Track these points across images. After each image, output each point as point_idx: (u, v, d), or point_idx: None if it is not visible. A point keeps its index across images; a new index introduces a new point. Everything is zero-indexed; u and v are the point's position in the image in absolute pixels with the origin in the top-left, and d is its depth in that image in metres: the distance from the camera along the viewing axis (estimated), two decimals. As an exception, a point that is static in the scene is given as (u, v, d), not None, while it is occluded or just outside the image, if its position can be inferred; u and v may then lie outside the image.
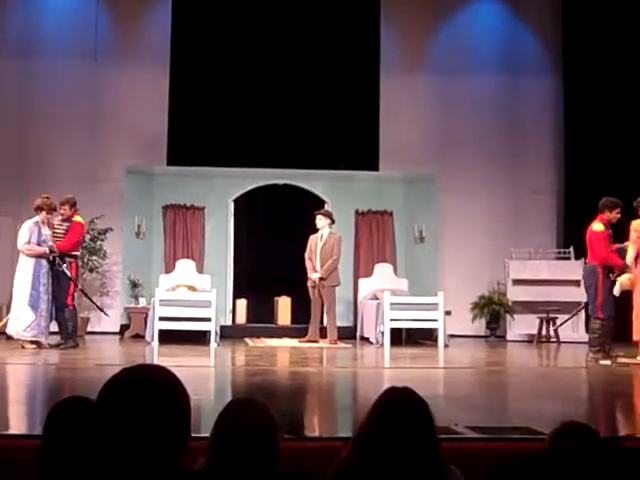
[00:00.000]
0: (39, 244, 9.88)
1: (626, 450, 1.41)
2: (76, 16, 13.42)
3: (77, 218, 10.26)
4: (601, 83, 12.96)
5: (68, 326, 9.96)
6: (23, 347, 9.71)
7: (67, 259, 10.02)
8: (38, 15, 13.40)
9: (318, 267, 11.48)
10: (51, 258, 9.90)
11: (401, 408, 2.41)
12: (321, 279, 11.45)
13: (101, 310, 11.75)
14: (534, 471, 1.30)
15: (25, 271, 9.85)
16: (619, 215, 9.10)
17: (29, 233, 9.88)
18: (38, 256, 9.83)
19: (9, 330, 9.93)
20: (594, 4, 13.09)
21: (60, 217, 10.15)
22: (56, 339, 10.03)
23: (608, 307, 8.99)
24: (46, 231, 10.00)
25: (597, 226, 9.11)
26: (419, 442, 2.31)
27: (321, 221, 11.63)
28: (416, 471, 2.26)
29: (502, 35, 13.96)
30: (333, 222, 11.73)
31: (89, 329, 12.32)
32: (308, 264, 11.58)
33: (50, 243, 9.90)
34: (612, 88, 12.88)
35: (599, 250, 9.04)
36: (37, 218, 9.97)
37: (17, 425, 4.96)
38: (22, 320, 9.78)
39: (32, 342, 9.79)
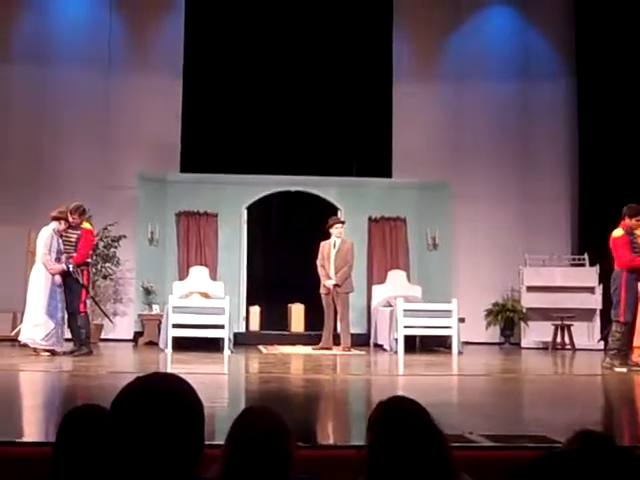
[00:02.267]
0: (58, 253, 9.92)
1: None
2: (90, 25, 13.49)
3: (86, 225, 10.28)
4: (615, 87, 12.90)
5: (81, 333, 9.98)
6: (37, 354, 9.73)
7: (80, 267, 10.04)
8: (52, 24, 13.48)
9: (332, 274, 11.47)
10: (70, 268, 9.92)
11: (396, 422, 2.30)
12: (335, 285, 11.43)
13: (108, 318, 11.79)
14: (552, 470, 1.28)
15: (41, 279, 9.87)
16: None
17: (49, 243, 9.90)
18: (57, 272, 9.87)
19: (24, 338, 9.93)
20: (606, 7, 13.05)
21: (66, 225, 10.12)
22: (69, 346, 10.05)
23: (630, 312, 8.96)
24: (60, 240, 10.04)
25: (616, 232, 9.14)
26: (423, 451, 2.24)
27: (338, 229, 11.65)
28: (423, 477, 2.21)
29: (514, 40, 13.93)
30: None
31: (103, 336, 12.34)
32: (321, 271, 11.57)
33: (69, 262, 9.91)
34: (626, 92, 12.82)
35: (622, 255, 9.03)
36: (53, 226, 9.98)
37: (30, 432, 4.96)
38: (41, 329, 9.77)
39: (47, 350, 9.81)
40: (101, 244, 12.21)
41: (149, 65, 13.40)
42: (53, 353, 9.77)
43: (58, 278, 9.89)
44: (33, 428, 5.11)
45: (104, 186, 12.96)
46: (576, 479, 1.25)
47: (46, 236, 9.94)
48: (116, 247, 12.57)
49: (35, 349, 9.84)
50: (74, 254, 10.01)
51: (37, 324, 9.80)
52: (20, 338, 10.04)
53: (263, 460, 2.36)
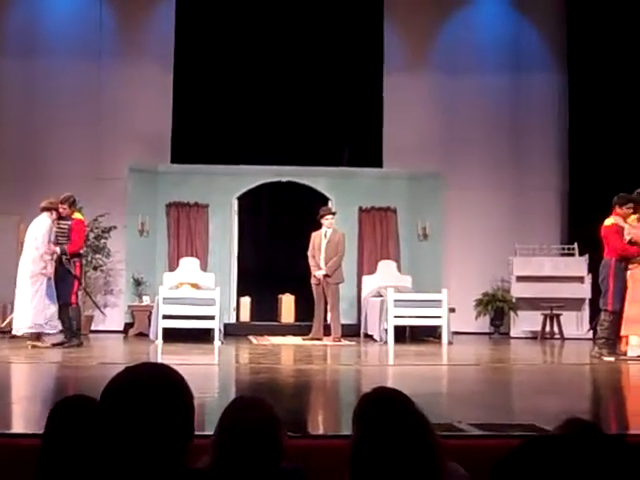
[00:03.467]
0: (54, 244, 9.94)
1: (629, 446, 1.41)
2: (80, 16, 13.43)
3: (77, 215, 10.26)
4: (606, 80, 12.93)
5: (72, 324, 9.98)
6: (39, 341, 9.72)
7: (72, 258, 10.03)
8: (43, 16, 13.41)
9: (322, 264, 11.49)
10: (62, 259, 9.91)
11: (380, 413, 2.28)
12: (325, 276, 11.45)
13: (100, 310, 11.80)
14: (538, 455, 1.29)
15: (34, 269, 9.81)
16: (631, 210, 9.14)
17: (48, 235, 9.88)
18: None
19: (24, 328, 9.85)
20: (598, 1, 13.06)
21: (57, 215, 10.10)
22: (60, 337, 10.04)
23: (618, 301, 9.01)
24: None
25: (608, 221, 9.21)
26: (409, 440, 2.23)
27: (328, 220, 11.66)
28: (409, 468, 2.21)
29: (506, 33, 13.93)
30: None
31: (93, 327, 12.34)
32: (312, 261, 11.58)
33: (60, 241, 9.91)
34: (617, 85, 12.86)
35: (613, 243, 9.09)
36: (47, 216, 9.95)
37: (20, 424, 4.97)
38: (43, 313, 9.74)
39: (39, 338, 9.81)
40: (91, 235, 12.18)
41: (140, 57, 13.35)
42: (39, 338, 9.75)
43: (50, 269, 9.86)
44: (22, 419, 5.11)
45: (95, 177, 12.93)
46: (562, 464, 1.27)
47: (46, 227, 9.88)
48: (106, 238, 12.55)
49: (38, 336, 9.79)
50: (66, 245, 9.99)
51: (38, 310, 9.74)
52: (17, 330, 9.96)
53: (254, 449, 2.37)
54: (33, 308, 9.76)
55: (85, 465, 2.15)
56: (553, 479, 1.25)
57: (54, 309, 9.85)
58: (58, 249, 9.88)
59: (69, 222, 10.11)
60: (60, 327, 9.93)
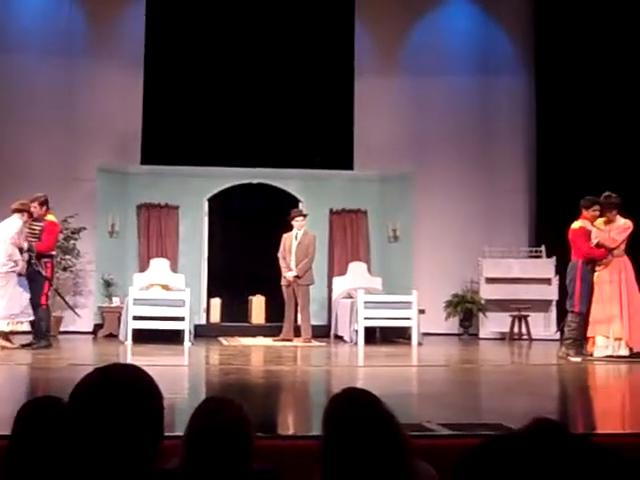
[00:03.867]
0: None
1: (594, 446, 1.44)
2: (50, 14, 13.32)
3: (50, 217, 10.19)
4: (573, 82, 13.08)
5: (41, 325, 9.90)
6: (2, 347, 9.63)
7: (43, 259, 9.96)
8: (11, 13, 13.28)
9: (293, 266, 11.50)
10: (27, 257, 9.83)
11: (349, 414, 2.30)
12: (296, 277, 11.47)
13: (73, 311, 11.69)
14: (501, 457, 1.32)
15: (4, 269, 9.72)
16: (597, 212, 9.26)
17: (20, 233, 9.78)
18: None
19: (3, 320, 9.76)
20: (566, 5, 13.21)
21: (29, 217, 10.01)
22: (29, 338, 9.96)
23: (585, 302, 9.12)
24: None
25: (575, 224, 9.33)
26: (377, 440, 2.25)
27: (299, 222, 11.67)
28: (379, 468, 2.23)
29: (475, 36, 14.04)
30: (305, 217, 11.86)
31: (62, 328, 12.24)
32: (282, 263, 11.59)
33: (29, 241, 9.83)
34: (584, 87, 13.01)
35: (580, 246, 9.20)
36: (18, 217, 9.85)
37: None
38: (18, 302, 9.65)
39: (7, 339, 9.73)
40: (61, 236, 12.09)
41: (110, 57, 13.26)
42: (26, 345, 9.66)
43: (21, 267, 9.77)
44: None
45: (64, 178, 12.83)
46: (524, 461, 1.30)
47: (17, 228, 9.77)
48: (76, 239, 12.48)
49: (7, 337, 9.69)
50: (35, 243, 9.91)
51: (13, 300, 9.64)
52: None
53: (223, 450, 2.38)
54: (7, 300, 9.66)
55: (53, 466, 2.15)
56: (514, 476, 1.28)
57: (27, 297, 9.76)
58: (26, 244, 9.79)
59: (42, 223, 10.04)
60: (32, 314, 9.81)
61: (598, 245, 9.18)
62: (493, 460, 1.31)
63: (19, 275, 9.78)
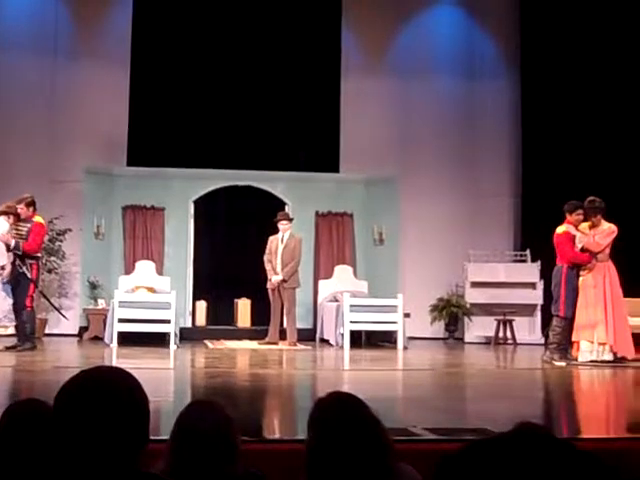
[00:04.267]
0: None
1: (577, 450, 1.45)
2: (35, 13, 13.26)
3: (38, 219, 10.13)
4: (558, 86, 13.15)
5: (26, 328, 9.84)
6: None
7: (28, 260, 9.90)
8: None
9: (279, 269, 11.49)
10: (12, 258, 9.77)
11: (334, 418, 2.30)
12: (282, 281, 11.46)
13: (60, 314, 11.62)
14: (483, 460, 1.32)
15: None
16: (581, 217, 9.31)
17: (6, 233, 9.74)
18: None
19: None
20: (551, 8, 13.28)
21: (15, 219, 9.96)
22: (13, 341, 9.91)
23: (570, 307, 9.16)
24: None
25: (560, 228, 9.37)
26: (361, 443, 2.26)
27: (285, 225, 11.67)
28: (363, 471, 2.24)
29: (461, 38, 14.08)
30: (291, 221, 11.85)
31: (47, 331, 12.19)
32: (268, 266, 11.58)
33: (18, 241, 9.78)
34: (569, 91, 13.08)
35: (565, 251, 9.24)
36: (8, 221, 9.80)
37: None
38: (1, 307, 9.62)
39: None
40: (46, 238, 12.03)
41: (96, 57, 13.23)
42: (11, 347, 9.64)
43: (7, 273, 9.72)
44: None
45: (49, 179, 12.78)
46: (506, 464, 1.30)
47: (4, 230, 9.71)
48: (61, 241, 12.42)
49: None
50: (22, 243, 9.86)
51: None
52: None
53: (209, 454, 2.38)
54: None
55: (38, 470, 2.14)
56: (496, 478, 1.28)
57: (10, 302, 9.71)
58: (13, 241, 9.74)
59: (29, 225, 9.98)
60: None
61: (583, 250, 9.23)
62: (474, 463, 1.31)
63: (3, 283, 9.72)
